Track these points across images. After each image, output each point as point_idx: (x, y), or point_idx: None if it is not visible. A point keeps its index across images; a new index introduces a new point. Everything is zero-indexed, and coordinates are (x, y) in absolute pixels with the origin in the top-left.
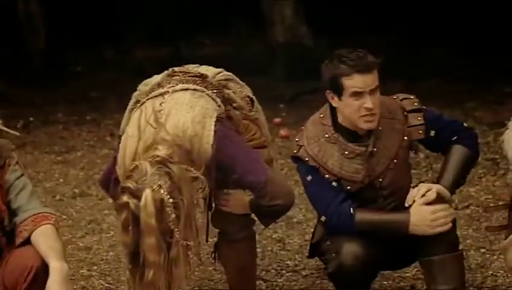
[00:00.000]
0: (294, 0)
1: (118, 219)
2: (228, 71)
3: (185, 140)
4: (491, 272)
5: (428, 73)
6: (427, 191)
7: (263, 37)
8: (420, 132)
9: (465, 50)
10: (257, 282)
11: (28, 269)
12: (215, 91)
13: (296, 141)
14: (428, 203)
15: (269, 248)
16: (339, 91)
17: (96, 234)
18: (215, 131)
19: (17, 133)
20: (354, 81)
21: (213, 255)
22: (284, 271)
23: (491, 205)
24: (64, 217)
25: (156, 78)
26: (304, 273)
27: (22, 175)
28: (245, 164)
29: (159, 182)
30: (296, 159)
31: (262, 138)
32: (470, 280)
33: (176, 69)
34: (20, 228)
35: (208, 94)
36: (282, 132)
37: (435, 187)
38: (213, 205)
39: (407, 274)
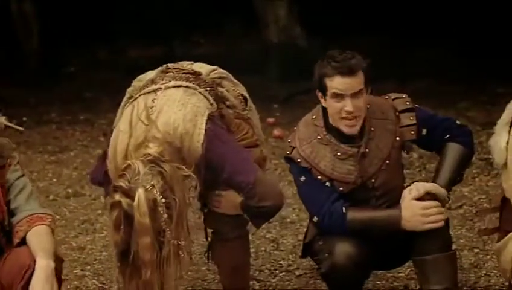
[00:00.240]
0: (288, 1)
1: (110, 218)
2: None
3: (175, 138)
4: (484, 272)
5: (421, 73)
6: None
7: (257, 38)
8: (412, 132)
9: (458, 50)
10: (250, 282)
11: (26, 267)
12: (208, 89)
13: (289, 142)
14: (421, 200)
15: (263, 248)
16: (323, 91)
17: (90, 234)
18: (205, 130)
19: (22, 129)
20: (335, 83)
21: (206, 254)
22: (277, 271)
23: (483, 208)
24: (57, 217)
25: (150, 74)
26: (297, 273)
27: (23, 175)
28: (234, 164)
29: (151, 182)
30: (289, 160)
31: (254, 137)
32: (463, 280)
33: (169, 65)
34: (16, 228)
35: (200, 92)
36: (276, 132)
37: (429, 186)
38: (205, 204)
39: (401, 274)
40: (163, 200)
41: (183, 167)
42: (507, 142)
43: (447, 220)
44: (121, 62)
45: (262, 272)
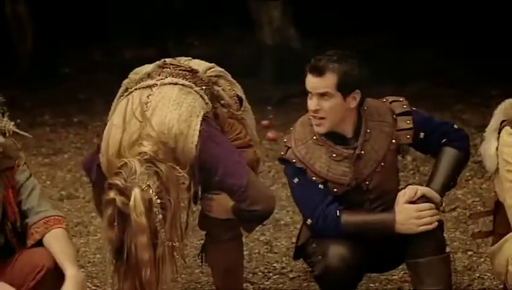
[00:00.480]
0: (283, 3)
1: (104, 215)
2: None
3: (169, 138)
4: (478, 275)
5: (416, 76)
6: (416, 193)
7: (251, 40)
8: (408, 136)
9: (453, 53)
10: (244, 285)
11: (40, 267)
12: (203, 87)
13: (284, 142)
14: (414, 203)
15: (256, 251)
16: None
17: (83, 237)
18: (200, 131)
19: (30, 136)
20: (307, 81)
21: (200, 256)
22: (271, 274)
23: (476, 211)
24: None
25: (147, 68)
26: (291, 275)
27: (31, 175)
28: (227, 166)
29: (147, 182)
30: (283, 161)
31: (247, 138)
32: (457, 283)
33: (167, 60)
34: (32, 230)
35: (196, 91)
36: (270, 134)
37: (424, 190)
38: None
39: (394, 277)
40: (158, 200)
41: (177, 168)
42: (497, 148)
43: (440, 223)
44: (115, 64)
45: (255, 274)
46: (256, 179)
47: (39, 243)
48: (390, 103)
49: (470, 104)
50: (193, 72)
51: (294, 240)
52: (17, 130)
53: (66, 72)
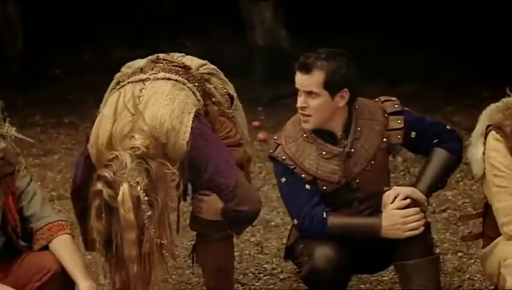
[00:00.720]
0: (274, 4)
1: (91, 206)
2: None
3: (161, 133)
4: (468, 276)
5: (407, 77)
6: (398, 195)
7: (243, 40)
8: (399, 136)
9: (444, 54)
10: (235, 286)
11: (47, 269)
12: (196, 84)
13: (275, 139)
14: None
15: (247, 252)
16: None
17: (74, 237)
18: (191, 128)
19: (31, 140)
20: (295, 77)
21: (191, 256)
22: (261, 275)
23: (466, 213)
24: None
25: (140, 62)
26: (281, 276)
27: (31, 180)
28: (217, 165)
29: (137, 179)
30: (272, 158)
31: (237, 136)
32: (447, 284)
33: (160, 55)
34: (37, 236)
35: (188, 87)
36: (261, 135)
37: (408, 190)
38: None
39: (385, 278)
40: (146, 198)
41: (167, 164)
42: (483, 153)
43: (428, 225)
44: (106, 65)
45: (246, 275)
46: (245, 180)
47: (45, 248)
48: (383, 102)
49: (461, 106)
50: (186, 68)
51: (285, 241)
52: (21, 136)
53: (57, 73)
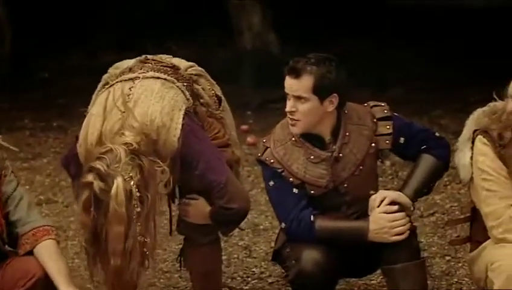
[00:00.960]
0: (262, 8)
1: (79, 199)
2: None
3: (152, 130)
4: (456, 280)
5: (395, 80)
6: (385, 199)
7: (231, 45)
8: (387, 142)
9: (431, 58)
10: (223, 289)
11: (30, 275)
12: (185, 84)
13: (263, 142)
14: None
15: (235, 255)
16: None
17: (62, 241)
18: (182, 124)
19: (16, 149)
20: (285, 82)
21: (178, 260)
22: (249, 278)
23: (454, 217)
24: None
25: (128, 63)
26: (269, 280)
27: (18, 185)
28: (208, 162)
29: (130, 173)
30: (260, 162)
31: (226, 137)
32: (434, 288)
33: (149, 56)
34: (22, 241)
35: (178, 86)
36: (249, 139)
37: (394, 195)
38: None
39: (373, 282)
40: (138, 193)
41: (158, 161)
42: (471, 158)
43: (414, 229)
44: (95, 68)
45: (234, 279)
46: (235, 178)
47: (30, 253)
48: (372, 107)
49: (449, 109)
50: (175, 68)
51: (273, 244)
52: (5, 144)
53: (46, 76)
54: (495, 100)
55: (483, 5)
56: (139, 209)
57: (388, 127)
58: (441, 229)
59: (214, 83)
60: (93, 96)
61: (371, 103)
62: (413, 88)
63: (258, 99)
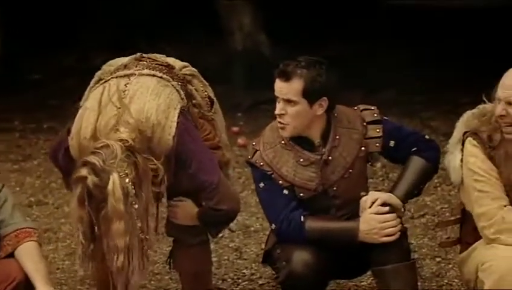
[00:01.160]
0: (253, 8)
1: (73, 193)
2: None
3: (147, 127)
4: (446, 281)
5: (386, 82)
6: (376, 200)
7: (222, 46)
8: (377, 144)
9: (422, 61)
10: None
11: (11, 279)
12: (179, 83)
13: (253, 145)
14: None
15: (226, 257)
16: None
17: (52, 243)
18: (177, 123)
19: None
20: (275, 85)
21: (168, 261)
22: (240, 280)
23: (444, 219)
24: None
25: (122, 60)
26: (260, 282)
27: (3, 186)
28: (201, 162)
29: (126, 171)
30: (250, 164)
31: (216, 139)
32: (425, 289)
33: (144, 54)
34: (4, 243)
35: (173, 85)
36: (240, 140)
37: (385, 196)
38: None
39: (363, 283)
40: (134, 191)
41: (152, 158)
42: (461, 160)
43: (404, 230)
44: (86, 69)
45: (225, 281)
46: (226, 180)
47: (11, 254)
48: (361, 110)
49: (439, 111)
50: (169, 67)
51: (263, 246)
52: None
53: (36, 77)
54: (484, 102)
55: (483, 4)
56: (136, 207)
57: (378, 130)
58: (431, 230)
59: (207, 84)
60: (86, 92)
61: (361, 107)
62: (404, 90)
63: (249, 100)
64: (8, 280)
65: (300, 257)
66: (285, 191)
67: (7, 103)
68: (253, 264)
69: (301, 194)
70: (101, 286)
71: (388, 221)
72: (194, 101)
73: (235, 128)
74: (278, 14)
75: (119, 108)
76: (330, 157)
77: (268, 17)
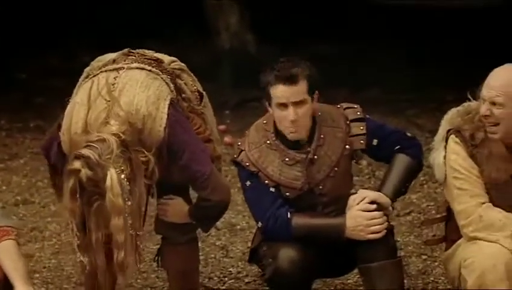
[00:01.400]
0: (240, 8)
1: (65, 186)
2: None
3: (137, 119)
4: (432, 279)
5: (371, 80)
6: (365, 198)
7: (209, 44)
8: (362, 141)
9: (407, 58)
10: (200, 289)
11: None
12: (169, 77)
13: (238, 145)
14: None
15: (212, 255)
16: (269, 99)
17: (39, 242)
18: (168, 114)
19: None
20: (278, 92)
21: (156, 259)
22: (226, 278)
23: (429, 217)
24: None
25: (111, 56)
26: (246, 280)
27: None
28: (194, 152)
29: (122, 167)
30: (236, 163)
31: (207, 132)
32: (411, 287)
33: (132, 50)
34: None
35: (162, 78)
36: (227, 139)
37: (374, 195)
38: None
39: (349, 281)
40: (128, 187)
41: (144, 150)
42: (444, 157)
43: (391, 228)
44: (73, 69)
45: (211, 279)
46: (217, 171)
47: None
48: (344, 109)
49: (425, 109)
50: (158, 61)
51: (249, 244)
52: None
53: (23, 77)
54: (469, 100)
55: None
56: (130, 203)
57: (362, 128)
58: (417, 228)
59: (196, 79)
60: (76, 88)
61: (344, 105)
62: (389, 88)
63: (236, 98)
64: None
65: (287, 254)
66: (272, 189)
67: None
68: (240, 263)
69: (287, 194)
70: (89, 281)
71: (375, 218)
72: (183, 95)
73: (222, 127)
74: (265, 13)
75: (109, 101)
76: (315, 156)
77: (255, 17)
